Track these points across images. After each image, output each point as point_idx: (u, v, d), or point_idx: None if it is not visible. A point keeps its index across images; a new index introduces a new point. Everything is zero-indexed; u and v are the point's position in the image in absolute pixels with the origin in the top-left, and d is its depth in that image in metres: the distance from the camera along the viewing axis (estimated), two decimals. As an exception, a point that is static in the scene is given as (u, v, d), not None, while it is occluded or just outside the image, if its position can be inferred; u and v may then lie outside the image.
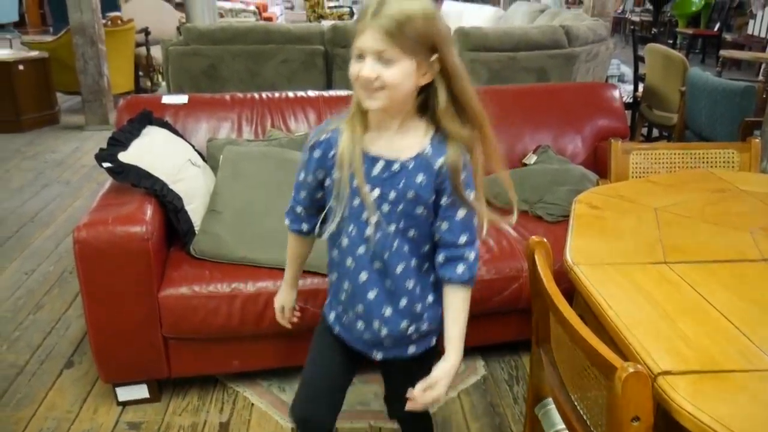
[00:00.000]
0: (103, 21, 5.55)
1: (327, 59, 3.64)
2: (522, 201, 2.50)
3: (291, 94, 2.71)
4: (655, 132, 4.89)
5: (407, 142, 1.21)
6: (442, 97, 1.18)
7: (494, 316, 2.24)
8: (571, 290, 1.45)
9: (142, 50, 6.55)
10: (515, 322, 2.26)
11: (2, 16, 10.51)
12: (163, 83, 6.72)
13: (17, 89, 5.28)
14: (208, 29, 3.66)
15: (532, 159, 2.68)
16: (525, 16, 5.79)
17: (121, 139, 2.18)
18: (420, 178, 1.20)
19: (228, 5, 9.37)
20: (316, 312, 2.01)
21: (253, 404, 2.13)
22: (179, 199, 2.11)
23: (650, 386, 0.96)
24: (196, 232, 2.13)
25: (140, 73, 6.68)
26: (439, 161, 1.19)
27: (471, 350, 2.38)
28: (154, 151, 2.20)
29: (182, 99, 2.59)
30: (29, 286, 2.88)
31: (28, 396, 2.16)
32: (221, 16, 8.23)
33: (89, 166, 4.51)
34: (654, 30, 10.75)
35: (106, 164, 2.05)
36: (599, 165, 2.73)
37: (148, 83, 6.77)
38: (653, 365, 1.06)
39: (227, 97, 2.65)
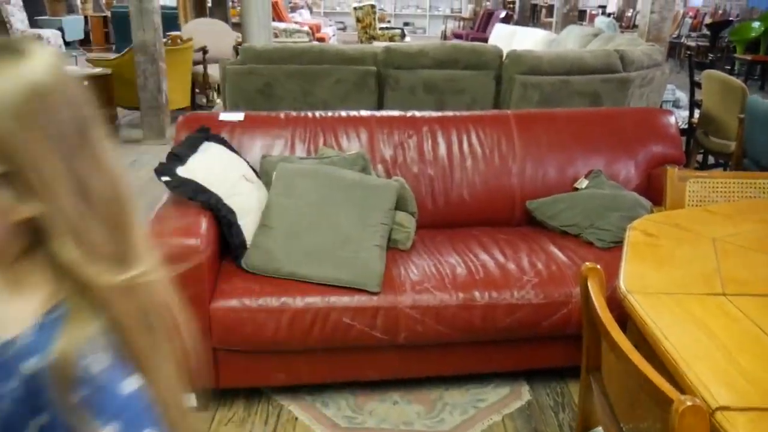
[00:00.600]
0: (164, 40, 5.76)
1: (379, 80, 3.69)
2: (572, 225, 2.48)
3: (343, 114, 2.75)
4: (711, 159, 4.77)
5: (14, 311, 0.68)
6: (52, 243, 0.65)
7: (541, 341, 2.21)
8: (622, 317, 1.42)
9: (200, 68, 6.76)
10: (562, 347, 2.23)
11: (69, 34, 11.01)
12: (219, 100, 6.92)
13: (81, 104, 5.50)
14: (265, 49, 3.76)
15: (583, 183, 2.65)
16: (578, 40, 5.75)
17: (180, 154, 2.25)
18: (12, 383, 0.65)
19: (282, 26, 9.60)
20: (362, 329, 2.03)
21: (297, 418, 2.14)
22: (233, 213, 2.16)
23: (708, 421, 0.93)
24: (248, 246, 2.17)
25: (196, 90, 6.89)
26: (30, 362, 0.64)
27: (516, 374, 2.35)
28: (210, 167, 2.27)
29: (238, 116, 2.66)
30: (86, 293, 2.97)
31: (81, 400, 2.22)
32: (276, 36, 8.43)
33: (146, 178, 4.65)
34: (711, 56, 10.52)
35: (164, 178, 2.12)
36: (653, 192, 2.68)
37: (204, 100, 6.97)
38: (711, 400, 1.03)
39: (281, 115, 2.71)
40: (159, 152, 5.36)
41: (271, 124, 2.67)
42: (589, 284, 1.30)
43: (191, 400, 2.20)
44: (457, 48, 3.79)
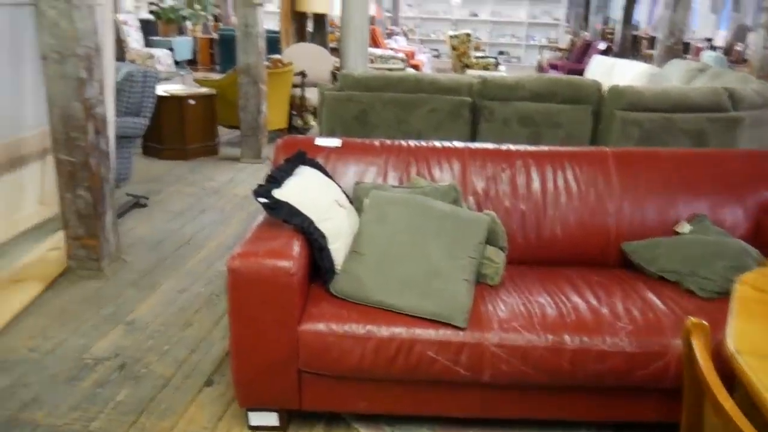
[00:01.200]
0: (265, 63, 6.00)
1: (474, 111, 3.69)
2: (672, 272, 2.36)
3: (437, 144, 2.76)
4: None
5: None
6: None
7: (633, 392, 2.10)
8: (725, 374, 1.34)
9: (297, 91, 7.00)
10: (656, 401, 2.12)
11: (178, 54, 11.70)
12: (314, 123, 7.13)
13: (186, 121, 5.81)
14: (363, 76, 3.85)
15: (685, 228, 2.52)
16: (682, 75, 5.53)
17: (277, 177, 2.33)
18: None
19: (378, 52, 9.80)
20: (446, 364, 2.01)
21: (374, 448, 2.14)
22: (324, 238, 2.20)
23: (829, 506, 0.85)
24: (337, 271, 2.21)
25: (293, 113, 7.13)
26: None
27: (604, 425, 2.25)
28: (305, 190, 2.33)
29: (335, 142, 2.72)
30: (181, 304, 3.11)
31: (170, 408, 2.32)
32: (371, 61, 8.61)
33: (241, 196, 4.85)
34: (829, 94, 9.80)
35: (262, 200, 2.19)
36: (762, 241, 2.52)
37: (300, 122, 7.19)
38: (832, 481, 0.95)
39: (376, 143, 2.76)
40: (255, 171, 5.59)
41: (365, 151, 2.71)
42: (693, 342, 1.23)
43: (273, 418, 2.24)
44: (555, 81, 3.74)
